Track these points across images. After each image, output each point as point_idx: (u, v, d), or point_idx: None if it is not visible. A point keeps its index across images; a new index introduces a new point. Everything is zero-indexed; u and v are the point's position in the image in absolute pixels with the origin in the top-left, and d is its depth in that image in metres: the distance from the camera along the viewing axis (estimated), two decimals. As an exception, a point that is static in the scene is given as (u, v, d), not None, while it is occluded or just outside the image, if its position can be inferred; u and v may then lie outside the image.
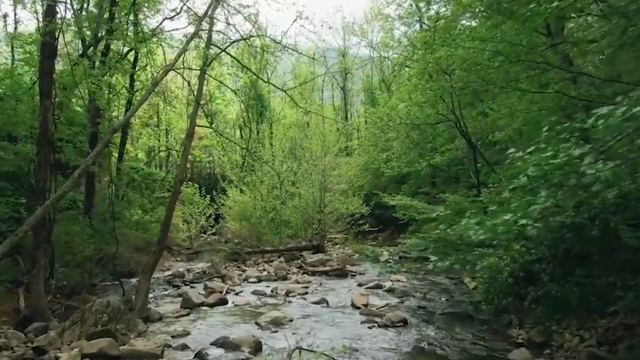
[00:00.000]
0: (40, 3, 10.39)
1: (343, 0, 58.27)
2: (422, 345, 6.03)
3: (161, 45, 12.51)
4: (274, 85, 15.47)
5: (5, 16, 14.96)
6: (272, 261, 15.08)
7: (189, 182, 19.91)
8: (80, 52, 12.41)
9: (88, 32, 11.97)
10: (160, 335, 6.70)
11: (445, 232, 4.85)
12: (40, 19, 9.78)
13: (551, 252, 5.74)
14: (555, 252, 5.63)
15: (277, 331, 6.75)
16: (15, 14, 23.72)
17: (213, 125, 18.15)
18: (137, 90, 13.98)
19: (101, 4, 11.66)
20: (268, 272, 12.82)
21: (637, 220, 4.51)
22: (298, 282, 11.25)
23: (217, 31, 10.30)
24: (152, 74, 13.15)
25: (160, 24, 12.42)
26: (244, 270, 13.26)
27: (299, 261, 14.39)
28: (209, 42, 9.95)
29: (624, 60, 6.10)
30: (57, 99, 9.15)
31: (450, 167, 16.66)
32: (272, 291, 10.04)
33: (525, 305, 6.21)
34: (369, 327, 6.92)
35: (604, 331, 5.29)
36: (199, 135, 23.15)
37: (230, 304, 8.94)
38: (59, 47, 9.16)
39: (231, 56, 11.03)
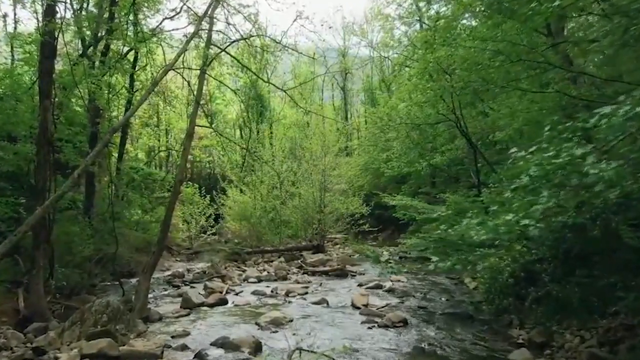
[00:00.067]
0: (39, 3, 10.37)
1: (343, 0, 58.35)
2: (423, 345, 6.02)
3: (161, 45, 12.49)
4: (274, 85, 15.44)
5: (5, 16, 14.98)
6: (272, 261, 15.06)
7: (189, 182, 19.92)
8: (80, 52, 12.40)
9: (88, 32, 11.96)
10: (160, 336, 6.68)
11: (446, 232, 4.83)
12: (40, 19, 9.75)
13: (552, 253, 5.73)
14: (556, 252, 5.62)
15: (277, 331, 6.73)
16: (15, 14, 23.71)
17: (213, 125, 18.12)
18: (137, 90, 13.96)
19: (101, 4, 11.65)
20: (268, 272, 12.81)
21: (638, 221, 4.51)
22: (298, 282, 11.24)
23: (217, 31, 10.30)
24: (152, 73, 13.14)
25: (160, 23, 12.41)
26: (244, 271, 13.24)
27: (299, 261, 14.37)
28: (209, 42, 9.93)
29: (625, 59, 6.09)
30: (56, 99, 9.14)
31: (451, 167, 16.64)
32: (272, 291, 10.03)
33: (526, 305, 6.20)
34: (369, 328, 6.91)
35: (605, 332, 5.28)
36: (199, 135, 23.13)
37: (230, 304, 8.92)
38: (58, 47, 9.16)
39: (231, 56, 11.01)
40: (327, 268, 12.86)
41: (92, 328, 6.21)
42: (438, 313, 7.79)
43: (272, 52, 11.39)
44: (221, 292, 9.68)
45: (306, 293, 9.84)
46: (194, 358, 5.69)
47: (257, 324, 7.16)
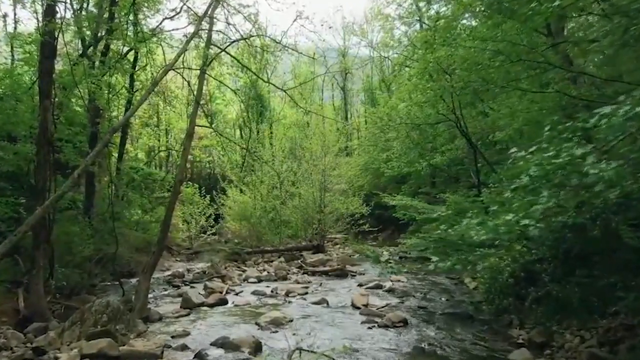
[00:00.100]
0: (39, 3, 10.37)
1: (343, 0, 58.35)
2: (423, 345, 6.02)
3: (161, 45, 12.49)
4: (274, 85, 15.45)
5: (5, 16, 14.98)
6: (272, 261, 15.06)
7: (189, 182, 19.92)
8: (80, 52, 12.40)
9: (88, 32, 11.96)
10: (160, 336, 6.68)
11: (446, 232, 4.83)
12: (40, 19, 9.75)
13: (552, 253, 5.73)
14: (556, 252, 5.62)
15: (277, 331, 6.73)
16: (15, 14, 23.71)
17: (213, 125, 18.13)
18: (137, 90, 13.96)
19: (101, 4, 11.65)
20: (268, 272, 12.81)
21: (638, 221, 4.51)
22: (298, 282, 11.24)
23: (217, 31, 10.30)
24: (152, 73, 13.14)
25: (160, 23, 12.41)
26: (244, 271, 13.24)
27: (299, 261, 14.37)
28: (209, 42, 9.93)
29: (625, 59, 6.09)
30: (56, 99, 9.14)
31: (451, 167, 16.64)
32: (272, 291, 10.03)
33: (526, 305, 6.20)
34: (369, 328, 6.91)
35: (605, 332, 5.27)
36: (199, 135, 23.12)
37: (230, 304, 8.92)
38: (58, 47, 9.15)
39: (231, 56, 11.01)
40: (327, 268, 12.86)
41: (92, 328, 6.21)
42: (438, 313, 7.79)
43: (272, 52, 11.38)
44: (221, 292, 9.68)
45: (306, 293, 9.84)
46: (194, 358, 5.69)
47: (257, 324, 7.16)
